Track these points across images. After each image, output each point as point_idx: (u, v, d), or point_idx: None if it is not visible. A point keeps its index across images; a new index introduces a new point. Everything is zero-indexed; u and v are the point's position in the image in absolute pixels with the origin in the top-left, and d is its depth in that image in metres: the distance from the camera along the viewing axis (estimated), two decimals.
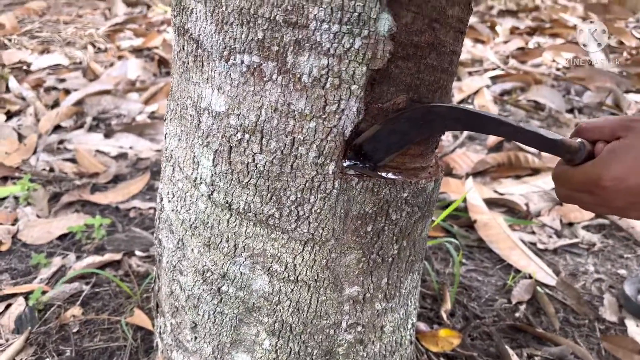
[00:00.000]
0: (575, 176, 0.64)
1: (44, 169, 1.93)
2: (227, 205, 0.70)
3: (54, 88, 2.54)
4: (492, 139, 2.19)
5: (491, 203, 1.77)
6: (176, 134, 0.73)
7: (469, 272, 1.50)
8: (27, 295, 1.35)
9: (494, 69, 2.90)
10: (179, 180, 0.75)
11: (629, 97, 2.54)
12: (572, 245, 1.63)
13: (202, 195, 0.72)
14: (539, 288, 1.40)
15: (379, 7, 0.56)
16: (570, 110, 2.53)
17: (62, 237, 1.61)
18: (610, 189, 0.59)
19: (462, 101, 2.57)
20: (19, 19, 3.35)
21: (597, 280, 1.49)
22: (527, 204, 1.76)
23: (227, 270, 0.74)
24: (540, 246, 1.62)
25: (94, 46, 3.09)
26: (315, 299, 0.75)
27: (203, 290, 0.78)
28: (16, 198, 1.76)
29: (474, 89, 2.60)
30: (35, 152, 2.03)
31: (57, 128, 2.23)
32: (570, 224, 1.73)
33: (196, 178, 0.71)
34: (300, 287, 0.74)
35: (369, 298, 0.78)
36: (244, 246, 0.72)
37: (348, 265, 0.74)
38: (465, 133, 2.23)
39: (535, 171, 1.98)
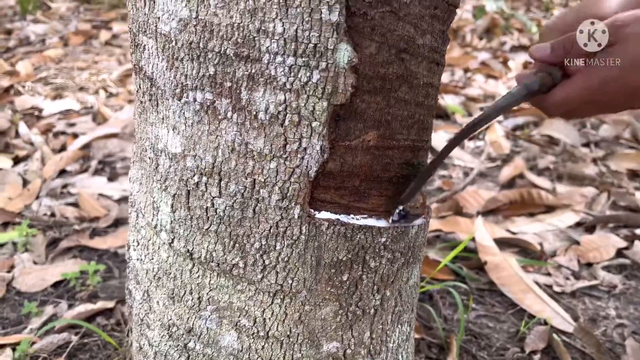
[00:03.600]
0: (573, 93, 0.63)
1: (45, 214, 1.91)
2: (188, 254, 0.64)
3: (63, 133, 2.55)
4: (505, 175, 2.10)
5: (503, 243, 1.67)
6: (137, 177, 0.69)
7: (479, 318, 1.40)
8: (14, 347, 1.30)
9: None
10: (142, 227, 0.70)
11: None
12: (591, 287, 1.53)
13: (164, 243, 0.66)
14: (555, 335, 1.30)
15: (336, 36, 0.51)
16: (586, 144, 2.43)
17: (56, 285, 1.56)
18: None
19: (473, 138, 2.51)
20: (35, 66, 3.42)
21: (619, 325, 1.38)
22: (541, 244, 1.66)
23: (192, 325, 0.68)
24: (556, 289, 1.51)
25: (105, 91, 3.13)
26: (290, 357, 0.68)
27: (170, 346, 0.72)
28: (15, 244, 1.73)
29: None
30: (38, 197, 2.02)
31: (62, 172, 2.22)
32: (589, 265, 1.63)
33: (156, 225, 0.66)
34: (272, 343, 0.67)
35: (350, 355, 0.70)
36: (208, 299, 0.66)
37: (324, 318, 0.67)
38: (476, 170, 2.16)
39: (549, 208, 1.89)
